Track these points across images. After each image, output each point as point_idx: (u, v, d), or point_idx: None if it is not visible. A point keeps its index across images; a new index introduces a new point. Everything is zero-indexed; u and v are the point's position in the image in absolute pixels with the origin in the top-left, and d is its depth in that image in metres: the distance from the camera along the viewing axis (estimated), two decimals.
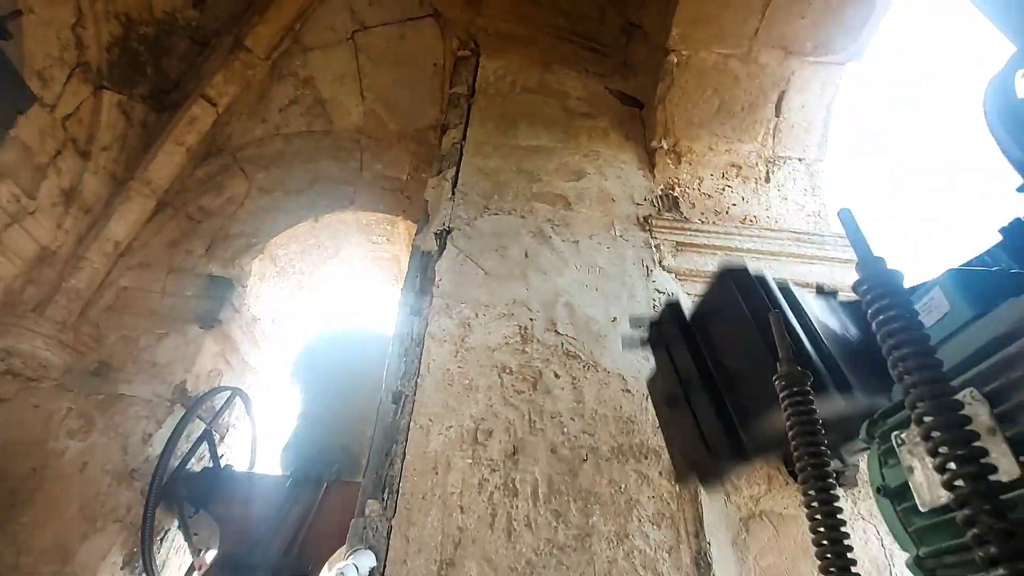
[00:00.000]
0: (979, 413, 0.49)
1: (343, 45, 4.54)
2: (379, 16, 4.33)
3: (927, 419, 0.46)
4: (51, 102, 3.98)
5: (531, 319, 2.33)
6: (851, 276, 2.10)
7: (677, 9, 2.66)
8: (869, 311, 0.57)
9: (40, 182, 3.94)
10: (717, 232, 2.76)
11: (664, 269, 2.61)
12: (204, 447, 3.64)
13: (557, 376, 2.15)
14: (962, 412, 0.44)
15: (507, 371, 2.15)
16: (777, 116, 3.03)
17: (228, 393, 3.95)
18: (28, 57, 3.79)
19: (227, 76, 4.31)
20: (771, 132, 3.08)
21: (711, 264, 2.67)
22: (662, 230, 2.74)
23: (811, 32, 2.70)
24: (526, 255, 2.55)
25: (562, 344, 2.25)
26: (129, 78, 4.39)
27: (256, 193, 4.71)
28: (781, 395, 0.74)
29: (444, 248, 2.56)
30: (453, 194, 2.79)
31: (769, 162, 3.08)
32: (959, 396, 0.49)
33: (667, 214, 2.83)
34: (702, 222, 2.81)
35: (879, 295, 0.56)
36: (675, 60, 2.91)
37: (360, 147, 4.90)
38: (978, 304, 0.53)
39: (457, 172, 2.89)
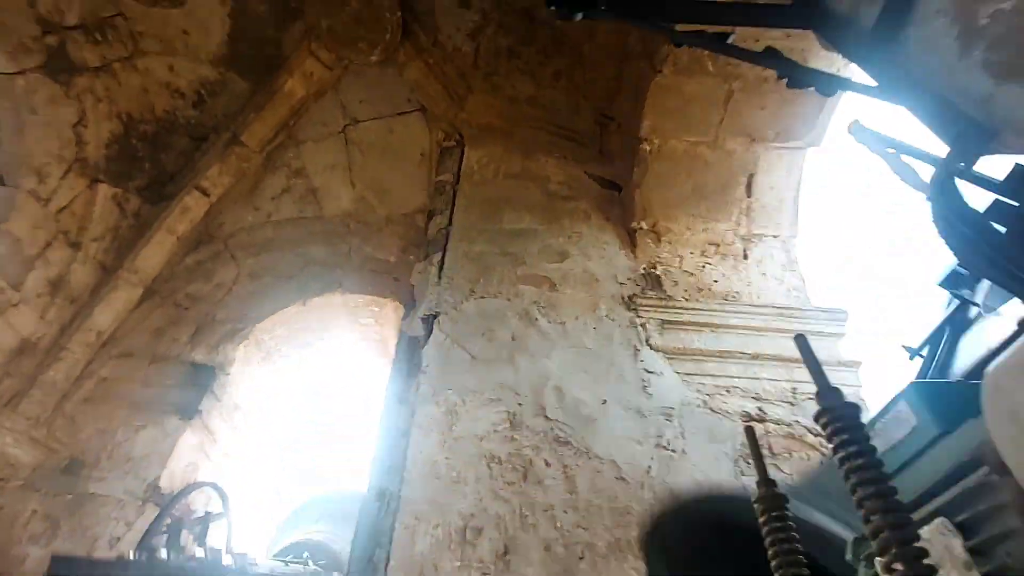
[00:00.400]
0: (952, 546, 0.49)
1: (335, 138, 4.76)
2: (369, 112, 4.58)
3: (888, 553, 0.46)
4: (46, 196, 4.07)
5: (519, 404, 2.30)
6: (834, 349, 2.11)
7: (646, 103, 2.86)
8: (831, 443, 0.60)
9: (27, 273, 3.95)
10: (701, 309, 2.81)
11: (651, 348, 2.63)
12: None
13: (548, 464, 2.10)
14: (918, 546, 0.45)
15: (496, 461, 2.09)
16: (749, 196, 3.18)
17: (205, 488, 3.76)
18: (26, 155, 3.92)
19: (222, 168, 4.47)
20: (744, 212, 3.22)
21: (698, 341, 2.70)
22: (647, 309, 2.78)
23: (771, 121, 2.90)
24: (513, 338, 2.56)
25: (552, 430, 2.21)
26: (126, 172, 4.53)
27: (245, 279, 4.74)
28: (761, 518, 0.73)
29: (431, 333, 2.56)
30: (440, 278, 2.83)
31: (746, 240, 3.20)
32: (932, 526, 0.50)
33: (651, 293, 2.88)
34: (686, 299, 2.86)
35: (838, 429, 0.59)
36: (648, 148, 3.09)
37: (349, 232, 5.01)
38: (942, 420, 0.55)
39: (444, 257, 2.95)
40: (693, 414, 2.38)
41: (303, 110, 4.50)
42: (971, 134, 0.66)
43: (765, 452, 2.31)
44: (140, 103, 4.54)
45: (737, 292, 2.99)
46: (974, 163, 0.68)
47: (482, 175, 3.62)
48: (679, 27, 1.07)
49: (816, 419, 0.63)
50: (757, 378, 2.59)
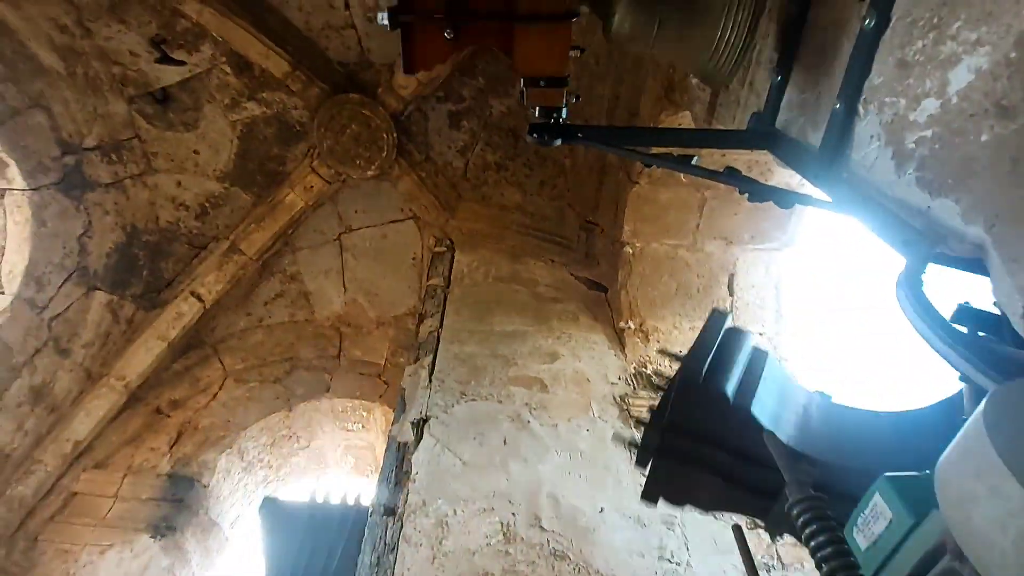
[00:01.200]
0: None
1: (330, 244, 4.95)
2: (364, 221, 4.81)
3: None
4: (42, 304, 4.10)
5: (513, 514, 2.19)
6: None
7: (625, 211, 3.04)
8: (803, 534, 0.61)
9: (12, 381, 3.87)
10: None
11: None
12: None
13: None
14: None
15: None
16: (731, 295, 3.29)
17: None
18: (30, 265, 4.01)
19: (219, 275, 4.57)
20: (729, 310, 3.30)
21: None
22: (640, 408, 2.75)
23: (746, 225, 3.08)
24: (505, 442, 2.49)
25: (548, 542, 2.09)
26: (124, 280, 4.62)
27: (231, 384, 4.66)
28: (800, 522, 0.71)
29: (421, 438, 2.50)
30: (431, 381, 2.82)
31: None
32: None
33: (643, 392, 2.87)
34: None
35: (809, 519, 0.60)
36: (631, 251, 3.24)
37: (340, 334, 5.03)
38: (915, 511, 0.56)
39: (434, 359, 2.96)
40: (696, 521, 2.27)
41: (301, 220, 4.71)
42: (917, 243, 0.73)
43: (774, 563, 2.18)
44: (146, 215, 4.74)
45: None
46: (925, 269, 0.73)
47: (472, 278, 3.74)
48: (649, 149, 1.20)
49: (788, 511, 0.63)
50: None
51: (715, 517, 2.29)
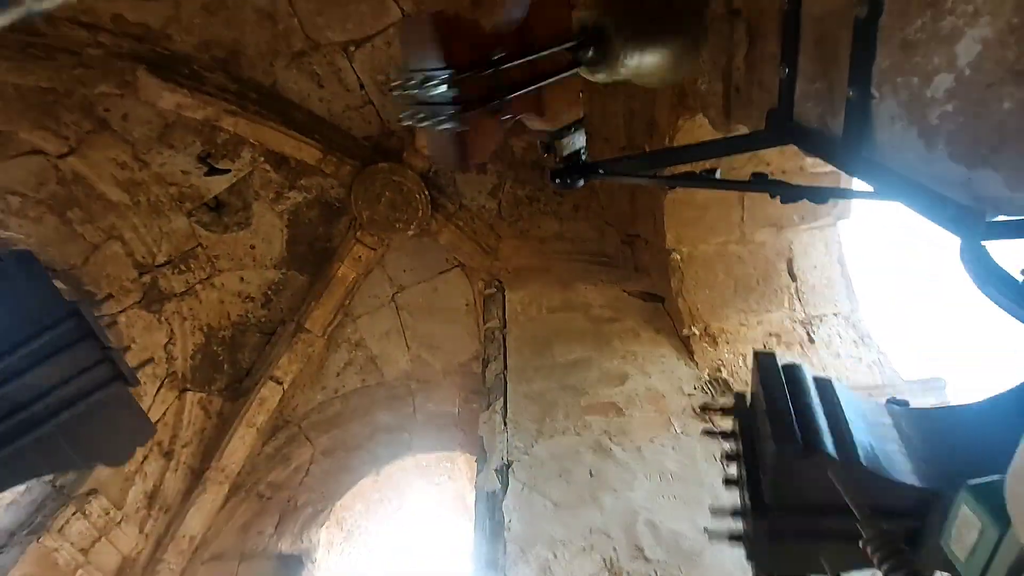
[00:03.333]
0: None
1: (386, 307, 5.13)
2: (413, 278, 4.97)
3: None
4: None
5: (614, 548, 2.15)
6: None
7: (664, 219, 3.01)
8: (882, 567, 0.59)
9: (128, 490, 4.19)
10: None
11: None
12: None
13: None
14: None
15: None
16: (794, 281, 3.15)
17: None
18: None
19: (291, 357, 4.82)
20: (795, 296, 3.17)
21: None
22: (723, 417, 2.65)
23: (793, 208, 2.97)
24: (591, 474, 2.46)
25: (655, 573, 2.03)
26: (209, 377, 4.96)
27: (320, 457, 4.85)
28: (875, 558, 0.67)
29: (507, 484, 2.50)
30: (505, 425, 2.83)
31: (805, 324, 3.10)
32: None
33: (722, 399, 2.77)
34: None
35: (887, 554, 0.58)
36: (678, 257, 3.19)
37: (411, 391, 5.15)
38: (1000, 520, 0.52)
39: (505, 402, 2.98)
40: None
41: (356, 289, 4.92)
42: (965, 217, 0.70)
43: None
44: (218, 313, 5.09)
45: None
46: (981, 241, 0.70)
47: (527, 314, 3.77)
48: (669, 170, 1.21)
49: (863, 546, 0.61)
50: None
51: None
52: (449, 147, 1.08)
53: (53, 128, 3.66)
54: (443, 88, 0.99)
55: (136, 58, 3.56)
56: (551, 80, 1.06)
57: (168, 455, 4.54)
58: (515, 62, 1.05)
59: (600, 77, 1.10)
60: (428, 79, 0.99)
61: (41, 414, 1.59)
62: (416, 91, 1.03)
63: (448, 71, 0.97)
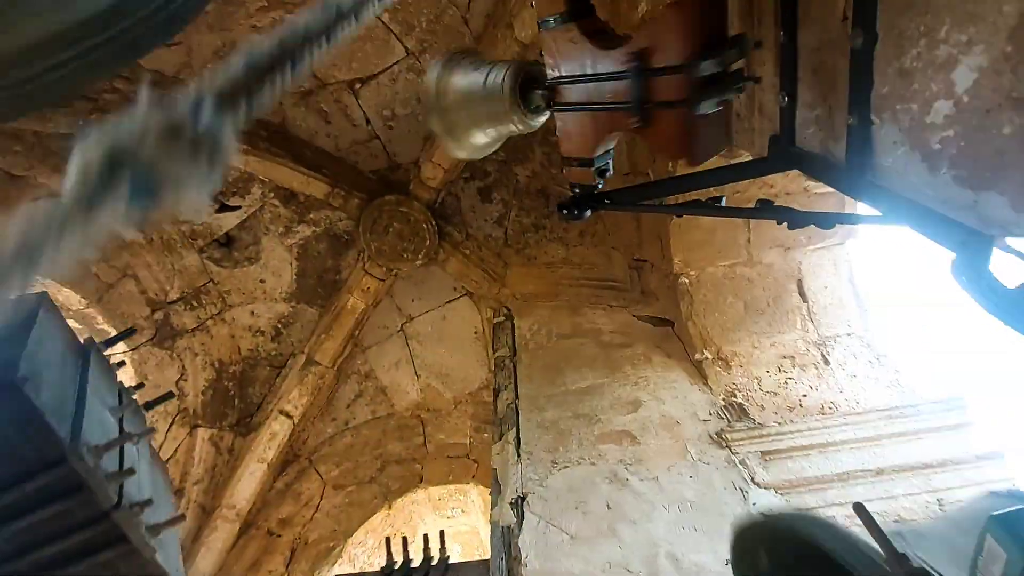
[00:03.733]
0: None
1: (395, 337, 5.14)
2: (421, 307, 4.99)
3: None
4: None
5: None
6: (965, 443, 1.88)
7: (671, 243, 3.01)
8: None
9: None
10: (800, 431, 2.60)
11: (759, 486, 2.40)
12: None
13: None
14: None
15: None
16: (805, 301, 3.13)
17: None
18: None
19: (301, 390, 4.82)
20: (807, 316, 3.14)
21: (809, 468, 2.46)
22: (740, 443, 2.60)
23: (800, 228, 2.96)
24: (608, 506, 2.41)
25: None
26: (220, 412, 4.95)
27: (330, 492, 4.79)
28: None
29: (523, 518, 2.46)
30: (519, 456, 2.79)
31: (819, 344, 3.06)
32: None
33: (739, 424, 2.72)
34: (779, 424, 2.67)
35: None
36: (687, 281, 3.18)
37: (421, 421, 5.11)
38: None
39: (518, 433, 2.94)
40: None
41: (365, 320, 4.94)
42: (973, 241, 0.70)
43: None
44: (229, 348, 5.12)
45: (832, 402, 2.78)
46: (987, 263, 0.70)
47: (536, 341, 3.76)
48: (674, 199, 1.22)
49: None
50: (892, 496, 2.28)
51: None
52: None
53: None
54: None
55: None
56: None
57: (178, 493, 4.51)
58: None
59: None
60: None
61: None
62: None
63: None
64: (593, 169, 1.18)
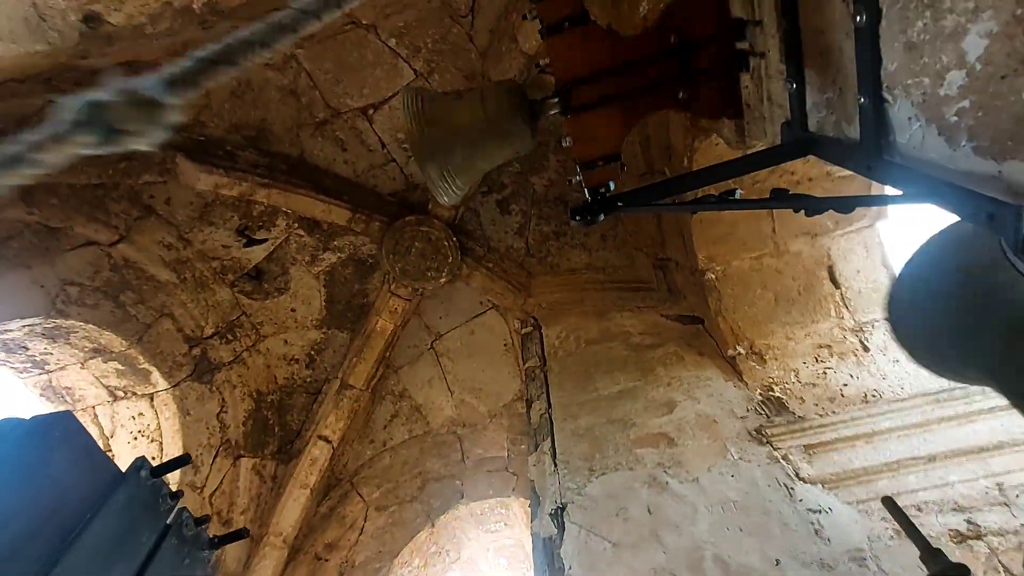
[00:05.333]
0: None
1: (425, 355, 5.18)
2: (449, 324, 5.02)
3: None
4: (200, 484, 4.56)
5: None
6: (1016, 426, 1.78)
7: (693, 240, 2.97)
8: None
9: None
10: (844, 421, 2.51)
11: (805, 482, 2.33)
12: None
13: None
14: None
15: None
16: (837, 288, 3.03)
17: None
18: (184, 452, 4.51)
19: (338, 415, 4.89)
20: (841, 303, 3.04)
21: (856, 460, 2.37)
22: (782, 438, 2.53)
23: (825, 214, 2.89)
24: (649, 511, 2.36)
25: None
26: (261, 441, 5.05)
27: (373, 514, 4.83)
28: None
29: (563, 528, 2.43)
30: (555, 466, 2.77)
31: (856, 331, 2.96)
32: None
33: (778, 419, 2.65)
34: (821, 416, 2.59)
35: None
36: (713, 277, 3.12)
37: (458, 437, 5.12)
38: None
39: (553, 442, 2.92)
40: (889, 550, 1.98)
41: (395, 341, 5.00)
42: (1002, 214, 0.67)
43: (1002, 574, 1.84)
44: (266, 378, 5.23)
45: (875, 389, 2.68)
46: (1019, 235, 0.67)
47: (565, 349, 3.73)
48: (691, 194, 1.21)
49: None
50: (946, 483, 2.18)
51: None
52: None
53: (103, 219, 3.93)
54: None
55: (174, 146, 3.82)
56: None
57: (227, 523, 4.60)
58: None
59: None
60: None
61: None
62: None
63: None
64: (619, 163, 1.20)
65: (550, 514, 2.52)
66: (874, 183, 2.55)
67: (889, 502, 0.86)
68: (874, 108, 0.85)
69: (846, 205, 0.93)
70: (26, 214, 3.51)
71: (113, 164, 3.61)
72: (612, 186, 1.31)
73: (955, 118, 0.71)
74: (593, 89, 1.23)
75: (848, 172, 2.48)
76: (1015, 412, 2.32)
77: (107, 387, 4.32)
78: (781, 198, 0.98)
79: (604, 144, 1.29)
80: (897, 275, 1.18)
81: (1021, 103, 0.59)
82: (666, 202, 1.17)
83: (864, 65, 0.82)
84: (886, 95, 0.82)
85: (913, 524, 0.78)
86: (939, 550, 0.64)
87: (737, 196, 1.06)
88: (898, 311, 1.02)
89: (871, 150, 0.89)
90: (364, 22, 3.67)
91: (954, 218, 0.81)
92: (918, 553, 1.91)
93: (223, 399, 4.88)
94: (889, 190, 0.93)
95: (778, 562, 2.01)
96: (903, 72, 0.77)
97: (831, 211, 2.70)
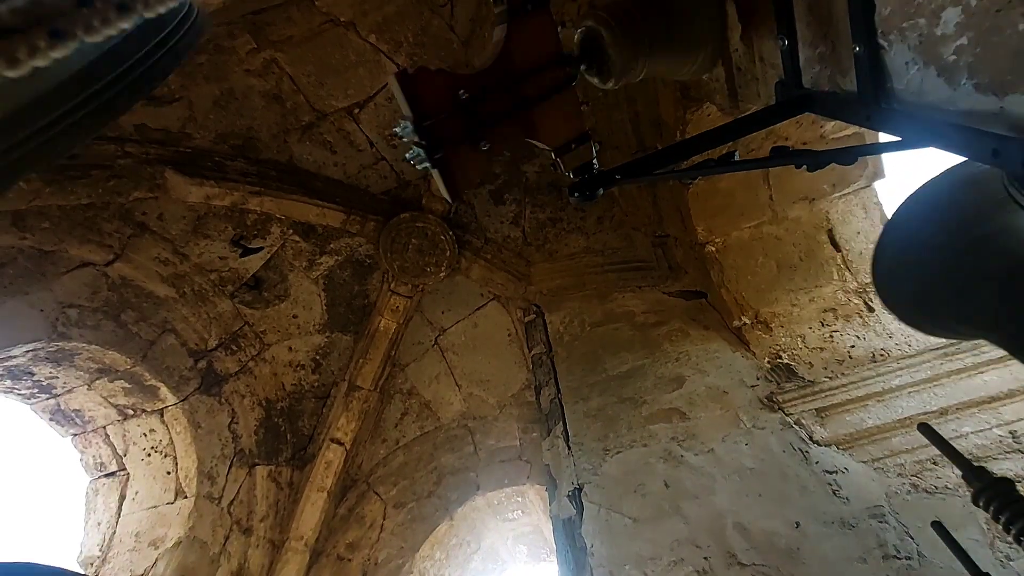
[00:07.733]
0: None
1: (431, 351, 5.18)
2: (452, 318, 5.02)
3: None
4: (217, 495, 4.58)
5: (706, 558, 2.05)
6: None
7: (691, 214, 2.96)
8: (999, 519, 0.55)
9: (215, 573, 4.28)
10: (854, 382, 2.52)
11: (820, 444, 2.34)
12: None
13: None
14: None
15: None
16: (839, 251, 3.03)
17: None
18: (200, 465, 4.53)
19: (348, 417, 4.90)
20: (843, 266, 3.04)
21: (869, 419, 2.38)
22: (793, 403, 2.54)
23: (821, 177, 2.89)
24: (666, 485, 2.38)
25: None
26: (274, 448, 5.07)
27: (392, 511, 4.85)
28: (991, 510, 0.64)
29: (582, 508, 2.44)
30: (569, 449, 2.78)
31: (860, 292, 2.97)
32: None
33: (788, 385, 2.66)
34: (830, 378, 2.60)
35: (1001, 505, 0.55)
36: (713, 248, 3.12)
37: (469, 430, 5.14)
38: None
39: (565, 426, 2.93)
40: (907, 505, 2.00)
41: (399, 339, 5.00)
42: (1007, 148, 0.67)
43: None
44: (273, 386, 5.24)
45: (882, 349, 2.69)
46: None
47: (570, 334, 3.74)
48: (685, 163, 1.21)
49: (974, 502, 0.58)
50: (960, 435, 2.19)
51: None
52: (440, 182, 1.14)
53: (97, 240, 3.91)
54: (411, 134, 1.08)
55: (162, 161, 3.79)
56: (540, 100, 1.08)
57: (248, 531, 4.63)
58: (490, 95, 1.09)
59: (611, 85, 1.12)
60: (402, 128, 1.08)
61: None
62: (404, 138, 1.11)
63: (409, 119, 1.06)
64: (592, 142, 1.19)
65: (568, 496, 2.54)
66: (870, 138, 2.54)
67: (925, 428, 0.87)
68: (870, 56, 0.84)
69: (847, 156, 0.92)
70: (19, 239, 3.49)
71: (102, 183, 3.59)
72: (596, 164, 1.30)
73: (953, 57, 0.70)
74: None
75: (842, 133, 2.48)
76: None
77: (116, 406, 4.32)
78: (783, 155, 0.97)
79: (567, 128, 1.28)
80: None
81: (1018, 35, 0.59)
82: (664, 171, 1.16)
83: (857, 13, 0.81)
84: (881, 41, 0.82)
85: (952, 447, 0.78)
86: (982, 467, 0.65)
87: (737, 158, 1.06)
88: (883, 271, 1.01)
89: (869, 100, 0.89)
90: (342, 19, 3.63)
91: (951, 165, 0.81)
92: (935, 502, 1.92)
93: (233, 410, 4.89)
94: (888, 139, 0.93)
95: (798, 524, 2.03)
96: (897, 15, 0.77)
97: (826, 174, 2.69)
